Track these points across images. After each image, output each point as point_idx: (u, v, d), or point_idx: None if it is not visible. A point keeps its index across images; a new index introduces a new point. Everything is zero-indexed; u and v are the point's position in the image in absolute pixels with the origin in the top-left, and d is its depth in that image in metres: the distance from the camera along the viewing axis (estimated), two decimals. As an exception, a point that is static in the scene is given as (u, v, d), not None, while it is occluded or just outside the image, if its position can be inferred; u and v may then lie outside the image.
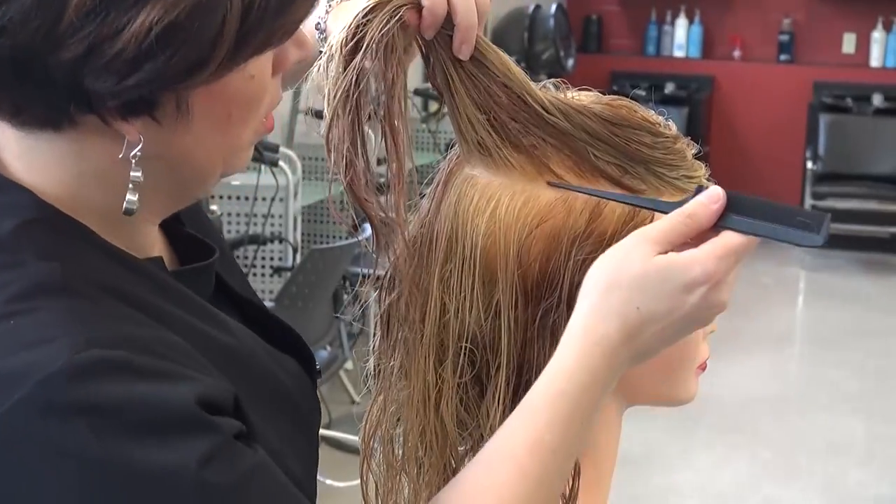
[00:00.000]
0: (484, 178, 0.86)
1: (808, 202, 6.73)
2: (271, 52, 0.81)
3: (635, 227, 0.82)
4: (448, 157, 0.90)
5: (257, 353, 0.88)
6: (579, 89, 0.91)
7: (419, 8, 0.85)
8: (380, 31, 0.82)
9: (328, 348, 3.50)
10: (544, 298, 0.83)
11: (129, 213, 0.80)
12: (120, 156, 0.78)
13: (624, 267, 0.78)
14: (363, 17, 0.83)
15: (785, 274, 6.58)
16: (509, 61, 0.87)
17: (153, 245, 0.88)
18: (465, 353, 0.84)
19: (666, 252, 0.78)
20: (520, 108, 0.85)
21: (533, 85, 0.87)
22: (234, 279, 0.97)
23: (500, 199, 0.84)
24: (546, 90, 0.88)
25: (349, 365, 4.22)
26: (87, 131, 0.78)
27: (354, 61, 0.82)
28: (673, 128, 0.89)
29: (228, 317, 0.89)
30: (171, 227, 0.93)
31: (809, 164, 6.79)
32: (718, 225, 0.80)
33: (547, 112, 0.84)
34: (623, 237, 0.81)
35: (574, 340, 0.79)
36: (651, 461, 4.03)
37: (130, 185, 0.79)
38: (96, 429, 0.71)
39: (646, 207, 0.82)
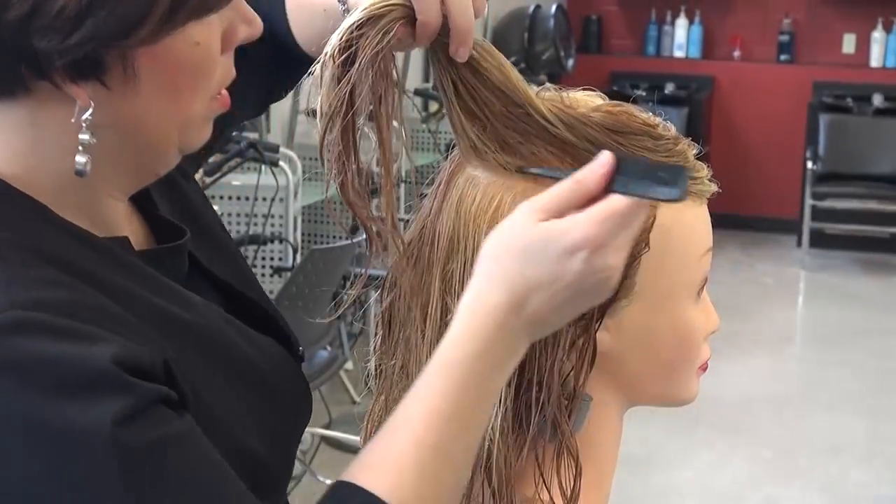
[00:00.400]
0: (486, 179, 0.86)
1: (809, 202, 6.73)
2: (217, 23, 0.85)
3: (639, 227, 0.83)
4: (450, 158, 0.90)
5: (224, 332, 0.90)
6: (583, 89, 0.91)
7: (413, 20, 0.86)
8: (372, 49, 0.82)
9: (328, 348, 3.49)
10: None
11: (80, 174, 0.83)
12: (72, 120, 0.81)
13: (511, 235, 0.79)
14: (356, 30, 0.83)
15: (785, 274, 6.58)
16: (510, 70, 0.87)
17: (119, 225, 0.90)
18: None
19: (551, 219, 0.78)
20: (520, 119, 0.85)
21: (533, 93, 0.86)
22: (220, 262, 0.99)
23: (503, 199, 0.84)
24: (545, 96, 0.88)
25: (349, 365, 4.22)
26: (40, 98, 0.82)
27: (347, 75, 0.83)
28: (672, 129, 0.89)
29: (203, 297, 0.91)
30: (149, 211, 0.96)
31: (809, 164, 6.79)
32: (608, 189, 0.78)
33: (550, 123, 0.84)
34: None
35: (465, 309, 0.80)
36: (651, 461, 4.03)
37: (80, 147, 0.82)
38: (12, 386, 0.73)
39: (553, 177, 0.82)
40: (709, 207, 0.90)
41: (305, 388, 0.97)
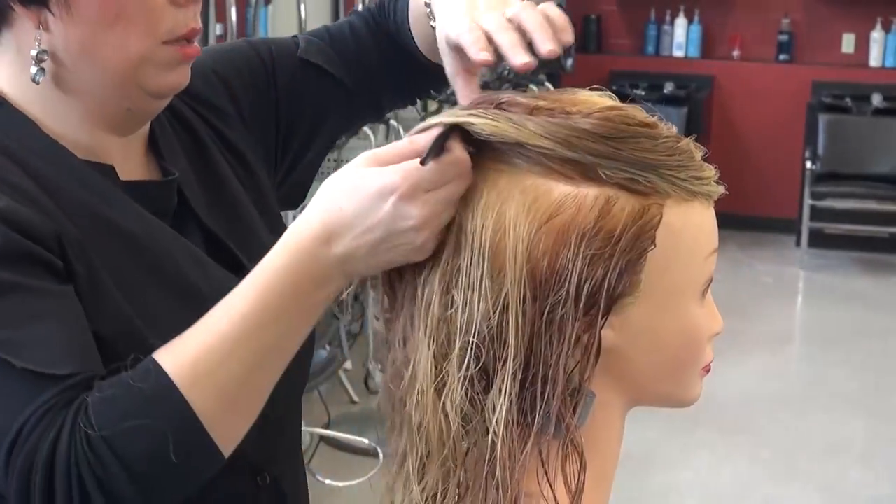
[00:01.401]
0: (493, 174, 0.86)
1: (808, 202, 6.72)
2: None
3: (644, 224, 0.83)
4: None
5: (167, 248, 1.06)
6: (590, 88, 0.91)
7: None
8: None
9: (327, 348, 3.49)
10: (552, 294, 0.83)
11: (34, 81, 1.02)
12: (34, 41, 1.00)
13: (343, 175, 0.89)
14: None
15: (784, 273, 6.58)
16: (496, 121, 0.87)
17: (109, 155, 1.07)
18: (471, 348, 0.85)
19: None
20: (514, 154, 0.86)
21: (528, 125, 0.85)
22: (221, 217, 1.14)
23: (510, 194, 0.84)
24: (541, 105, 0.87)
25: (348, 365, 4.22)
26: (20, 28, 1.02)
27: None
28: (673, 129, 0.89)
29: (185, 232, 1.09)
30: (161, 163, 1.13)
31: (808, 164, 6.79)
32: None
33: (547, 149, 0.85)
34: (632, 234, 0.82)
35: (289, 229, 0.92)
36: (651, 461, 4.03)
37: (32, 60, 1.01)
38: None
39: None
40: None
41: None
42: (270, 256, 0.92)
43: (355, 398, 4.39)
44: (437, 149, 0.86)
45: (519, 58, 0.91)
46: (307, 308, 0.92)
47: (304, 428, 3.76)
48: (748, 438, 4.28)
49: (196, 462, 0.92)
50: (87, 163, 1.05)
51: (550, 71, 6.25)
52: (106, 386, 0.91)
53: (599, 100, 0.89)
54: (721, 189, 0.89)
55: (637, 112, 0.87)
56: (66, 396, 0.91)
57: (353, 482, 3.46)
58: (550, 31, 0.92)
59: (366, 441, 3.75)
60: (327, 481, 3.51)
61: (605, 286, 0.82)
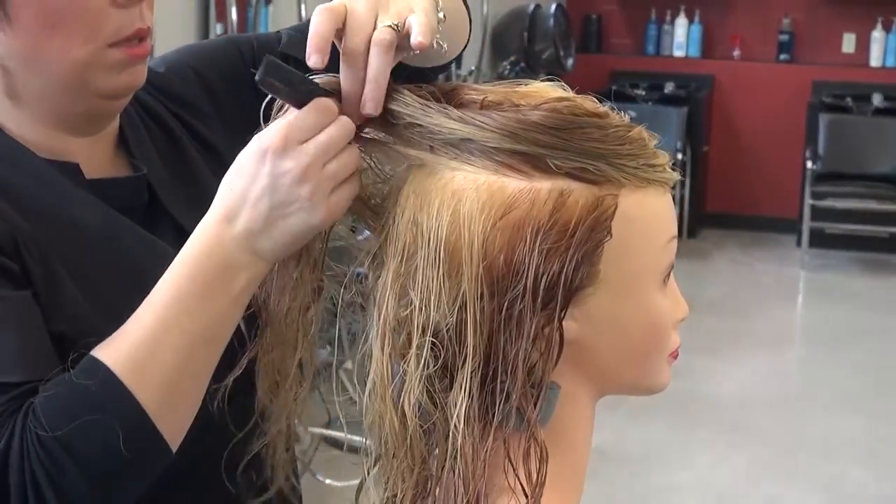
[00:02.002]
0: (447, 172, 0.86)
1: (808, 202, 6.72)
2: None
3: (600, 215, 0.83)
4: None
5: (131, 245, 1.06)
6: (543, 79, 0.91)
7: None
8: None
9: (327, 347, 3.49)
10: (510, 289, 0.83)
11: None
12: None
13: (238, 156, 0.91)
14: None
15: (784, 273, 6.58)
16: (434, 113, 0.88)
17: (72, 154, 1.07)
18: (427, 347, 0.85)
19: None
20: (463, 149, 0.86)
21: (475, 120, 0.86)
22: (193, 214, 1.10)
23: (465, 192, 0.85)
24: (491, 100, 0.88)
25: (348, 364, 4.22)
26: None
27: None
28: (626, 118, 0.89)
29: (157, 230, 1.09)
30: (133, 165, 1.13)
31: (809, 164, 6.79)
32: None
33: (493, 143, 0.85)
34: (587, 226, 0.83)
35: (203, 219, 0.93)
36: (651, 460, 4.03)
37: None
38: None
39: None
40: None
41: None
42: (184, 247, 0.94)
43: (355, 398, 4.39)
44: (300, 94, 0.88)
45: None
46: (227, 292, 0.93)
47: (304, 427, 3.76)
48: (748, 438, 4.28)
49: (147, 455, 0.92)
50: (49, 162, 1.05)
51: (550, 71, 6.26)
52: (51, 386, 0.92)
53: (550, 91, 0.89)
54: (676, 176, 0.89)
55: (586, 102, 0.87)
56: (15, 404, 0.91)
57: (353, 482, 3.46)
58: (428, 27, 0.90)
59: (366, 441, 3.75)
60: (327, 481, 3.52)
61: (563, 279, 0.82)
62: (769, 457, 4.13)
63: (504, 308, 0.83)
